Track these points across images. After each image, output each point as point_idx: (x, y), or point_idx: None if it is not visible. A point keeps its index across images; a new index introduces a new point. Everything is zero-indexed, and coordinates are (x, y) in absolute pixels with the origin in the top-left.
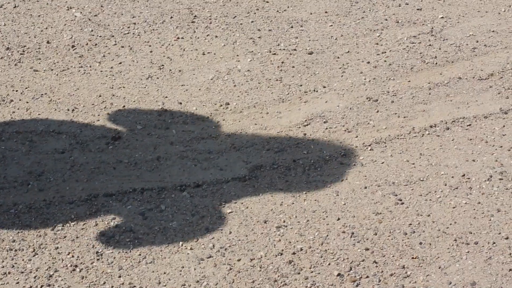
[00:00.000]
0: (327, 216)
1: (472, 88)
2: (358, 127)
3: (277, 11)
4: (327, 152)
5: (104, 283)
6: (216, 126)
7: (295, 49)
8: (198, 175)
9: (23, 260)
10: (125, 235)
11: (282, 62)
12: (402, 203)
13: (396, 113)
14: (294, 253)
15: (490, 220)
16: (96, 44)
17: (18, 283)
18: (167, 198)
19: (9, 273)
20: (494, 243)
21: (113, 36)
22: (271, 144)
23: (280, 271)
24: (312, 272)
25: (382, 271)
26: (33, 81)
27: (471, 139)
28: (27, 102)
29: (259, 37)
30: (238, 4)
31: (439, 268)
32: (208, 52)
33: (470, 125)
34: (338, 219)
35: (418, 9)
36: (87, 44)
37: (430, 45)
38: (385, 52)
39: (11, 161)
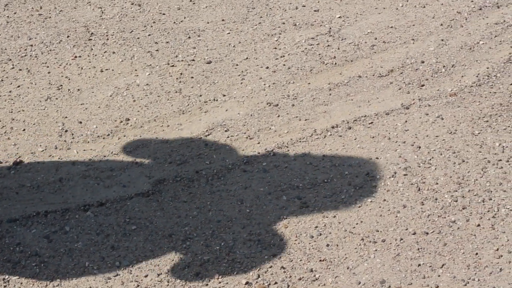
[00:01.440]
0: (232, 225)
1: (372, 85)
2: (260, 133)
3: (174, 22)
4: (230, 161)
5: None
6: (117, 143)
7: (193, 60)
8: (101, 194)
9: None
10: (31, 259)
11: (181, 74)
12: (307, 206)
13: (297, 117)
14: (201, 265)
15: (397, 216)
16: None
17: None
18: (71, 219)
19: None
20: (401, 239)
21: (10, 59)
22: (173, 156)
23: (188, 284)
24: (220, 282)
25: (291, 276)
26: None
27: (373, 137)
28: None
29: (157, 50)
30: (134, 19)
31: (348, 268)
32: (106, 69)
33: (372, 123)
34: (244, 227)
35: (315, 11)
36: None
37: (328, 45)
38: (283, 56)
39: None
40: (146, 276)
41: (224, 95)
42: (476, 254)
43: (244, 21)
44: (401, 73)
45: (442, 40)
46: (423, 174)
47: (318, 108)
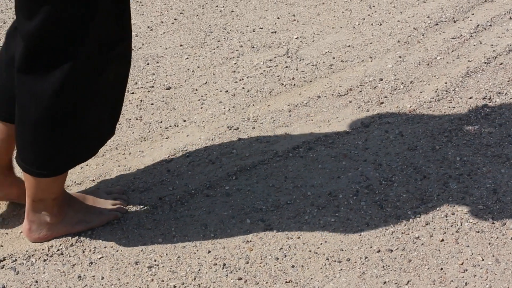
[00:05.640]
0: (197, 250)
1: (332, 105)
2: (222, 157)
3: (132, 49)
4: (192, 186)
5: None
6: (80, 172)
7: (152, 86)
8: None
9: None
10: None
11: (141, 101)
12: (271, 229)
13: (258, 139)
14: None
15: (361, 235)
16: None
17: None
18: (37, 250)
19: None
20: (366, 257)
21: None
22: (136, 184)
23: None
24: None
25: None
26: None
27: (334, 157)
28: None
29: None
30: None
31: None
32: None
33: (332, 142)
34: (209, 251)
35: (272, 32)
36: None
37: (287, 67)
38: (242, 79)
39: None
40: None
41: (184, 121)
42: (441, 269)
43: (202, 45)
44: (360, 91)
45: (400, 57)
46: (385, 192)
47: (278, 130)
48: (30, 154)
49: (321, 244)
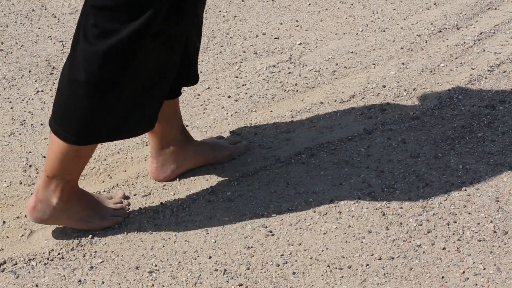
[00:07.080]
0: (198, 256)
1: (334, 111)
2: (223, 162)
3: None
4: (194, 191)
5: None
6: (82, 175)
7: None
8: (66, 228)
9: None
10: None
11: None
12: (273, 235)
13: (260, 145)
14: None
15: (362, 242)
16: None
17: None
18: (38, 254)
19: None
20: (367, 265)
21: None
22: (138, 189)
23: None
24: None
25: None
26: None
27: (336, 163)
28: None
29: None
30: None
31: None
32: None
33: (335, 149)
34: (210, 257)
35: (275, 38)
36: None
37: (289, 72)
38: (245, 85)
39: None
40: None
41: (187, 126)
42: (443, 277)
43: (205, 50)
44: (363, 98)
45: (403, 63)
46: (388, 199)
47: (280, 135)
48: (64, 115)
49: (322, 251)
